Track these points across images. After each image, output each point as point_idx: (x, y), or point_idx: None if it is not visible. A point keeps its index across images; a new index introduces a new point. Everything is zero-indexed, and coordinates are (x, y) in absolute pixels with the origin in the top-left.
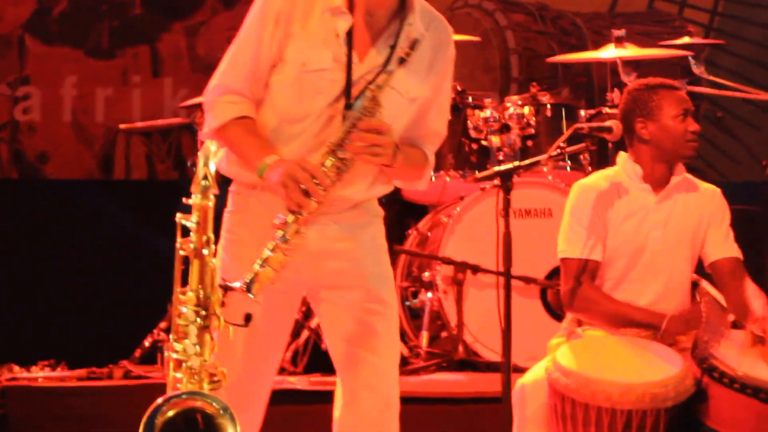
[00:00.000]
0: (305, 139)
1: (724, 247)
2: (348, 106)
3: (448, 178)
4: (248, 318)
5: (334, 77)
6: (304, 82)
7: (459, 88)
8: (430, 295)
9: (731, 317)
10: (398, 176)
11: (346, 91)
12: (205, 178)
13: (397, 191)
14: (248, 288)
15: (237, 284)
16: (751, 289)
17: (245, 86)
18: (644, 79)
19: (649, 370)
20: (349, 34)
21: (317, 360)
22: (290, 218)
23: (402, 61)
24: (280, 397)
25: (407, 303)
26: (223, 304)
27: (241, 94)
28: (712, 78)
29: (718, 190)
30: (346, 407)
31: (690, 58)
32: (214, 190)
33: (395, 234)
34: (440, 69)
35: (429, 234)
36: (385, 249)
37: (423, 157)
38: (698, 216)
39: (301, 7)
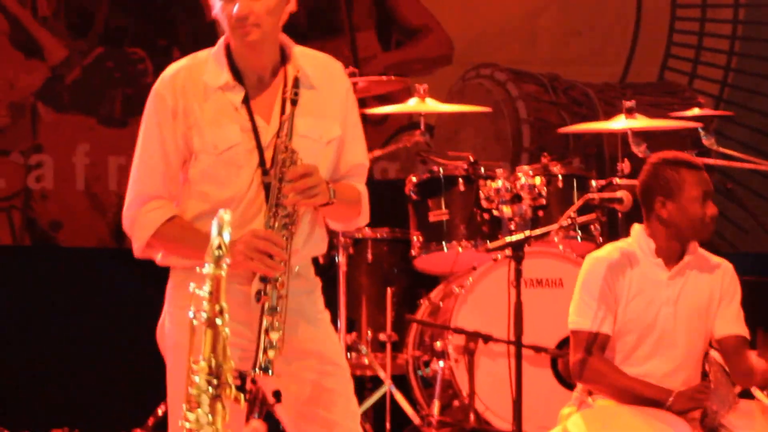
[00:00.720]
0: (243, 213)
1: (733, 324)
2: (265, 172)
3: (460, 249)
4: (278, 394)
5: (248, 147)
6: (222, 163)
7: (471, 158)
8: (441, 364)
9: (738, 388)
10: (338, 216)
11: (260, 156)
12: (219, 247)
13: (409, 263)
14: (266, 370)
15: (256, 371)
16: (754, 358)
17: (163, 188)
18: (669, 152)
19: None
20: (246, 102)
21: None
22: (267, 288)
23: (293, 102)
24: None
25: (419, 372)
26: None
27: (161, 197)
28: (721, 149)
29: (731, 266)
30: None
31: (700, 130)
32: (228, 260)
33: (407, 303)
34: (341, 103)
35: (441, 304)
36: (327, 315)
37: (356, 191)
38: (710, 292)
39: (193, 96)
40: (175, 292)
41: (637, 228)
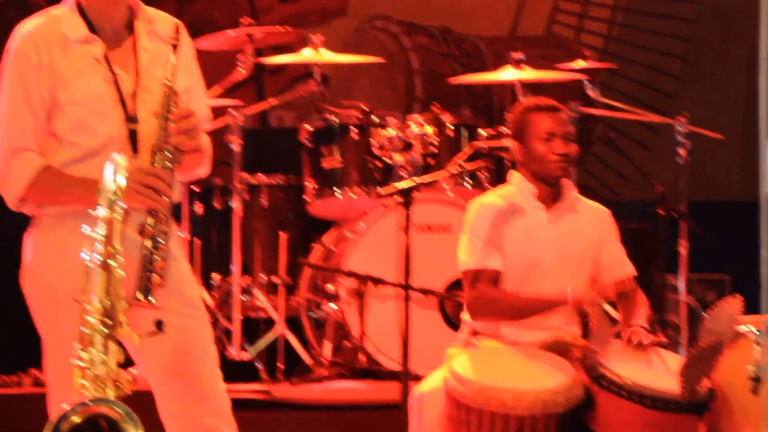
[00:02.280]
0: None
1: (619, 266)
2: (129, 120)
3: (352, 195)
4: (160, 324)
5: (113, 97)
6: (90, 113)
7: (364, 108)
8: (333, 306)
9: (618, 328)
10: (192, 164)
11: (123, 105)
12: (114, 192)
13: (303, 209)
14: (146, 295)
15: (140, 298)
16: (640, 298)
17: (32, 142)
18: (527, 98)
19: (541, 379)
20: (105, 56)
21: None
22: (151, 221)
23: (174, 47)
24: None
25: (311, 314)
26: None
27: (31, 150)
28: (605, 101)
29: (608, 211)
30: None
31: (585, 81)
32: (121, 203)
33: (301, 248)
34: (186, 56)
35: (333, 248)
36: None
37: (204, 140)
38: (589, 236)
39: (55, 49)
40: (43, 239)
41: (515, 174)
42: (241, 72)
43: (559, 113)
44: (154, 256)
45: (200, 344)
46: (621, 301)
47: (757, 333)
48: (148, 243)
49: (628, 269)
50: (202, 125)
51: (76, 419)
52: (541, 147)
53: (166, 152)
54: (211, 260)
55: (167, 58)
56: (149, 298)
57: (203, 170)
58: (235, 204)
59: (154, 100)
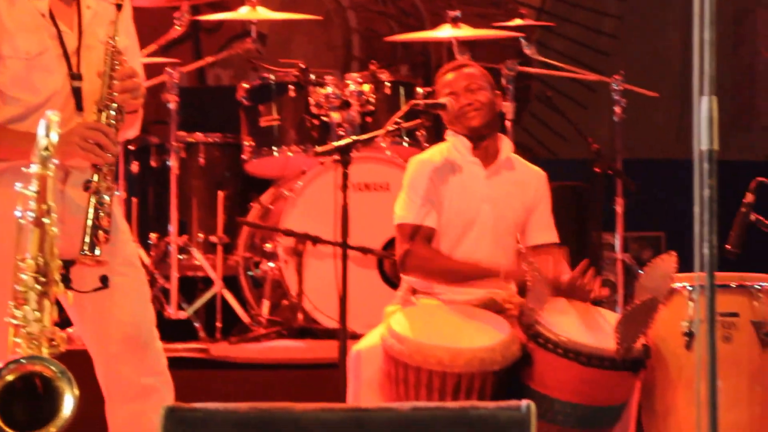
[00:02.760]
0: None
1: (545, 232)
2: (73, 77)
3: (290, 153)
4: (105, 279)
5: (57, 53)
6: (33, 69)
7: (302, 66)
8: (271, 265)
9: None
10: (126, 126)
11: (67, 62)
12: (46, 148)
13: (241, 167)
14: (93, 251)
15: (85, 252)
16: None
17: None
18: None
19: (478, 336)
20: (50, 10)
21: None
22: (96, 177)
23: (119, 6)
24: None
25: (249, 273)
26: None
27: None
28: (542, 59)
29: (544, 174)
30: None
31: (522, 40)
32: (54, 160)
33: (239, 206)
34: (124, 17)
35: (271, 207)
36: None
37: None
38: (524, 196)
39: (3, 2)
40: None
41: (452, 132)
42: (178, 29)
43: (462, 69)
44: (100, 212)
45: (138, 303)
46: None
47: (691, 289)
48: (94, 199)
49: (552, 236)
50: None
51: (9, 377)
52: (452, 104)
53: (110, 110)
54: (148, 219)
55: (110, 17)
56: (95, 253)
57: (133, 132)
58: (172, 162)
59: (97, 59)
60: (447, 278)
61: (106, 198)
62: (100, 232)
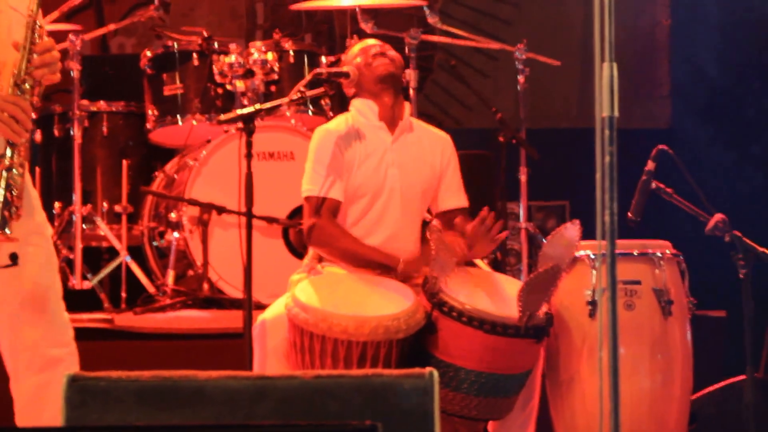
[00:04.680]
0: None
1: (456, 197)
2: None
3: (194, 122)
4: (14, 257)
5: None
6: None
7: (205, 34)
8: (176, 235)
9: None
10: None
11: None
12: None
13: (145, 136)
14: (3, 228)
15: None
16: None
17: None
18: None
19: (383, 305)
20: None
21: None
22: (9, 152)
23: None
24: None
25: (154, 243)
26: None
27: None
28: (445, 28)
29: (449, 137)
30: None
31: (425, 8)
32: None
33: (143, 176)
34: None
35: (176, 176)
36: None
37: None
38: (432, 160)
39: None
40: None
41: (356, 100)
42: None
43: (376, 40)
44: (12, 189)
45: (46, 272)
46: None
47: (594, 258)
48: (6, 175)
49: (462, 200)
50: None
51: None
52: (355, 72)
53: (27, 84)
54: (51, 189)
55: None
56: (6, 230)
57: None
58: (75, 131)
59: (7, 23)
60: (348, 260)
61: (19, 174)
62: (13, 209)
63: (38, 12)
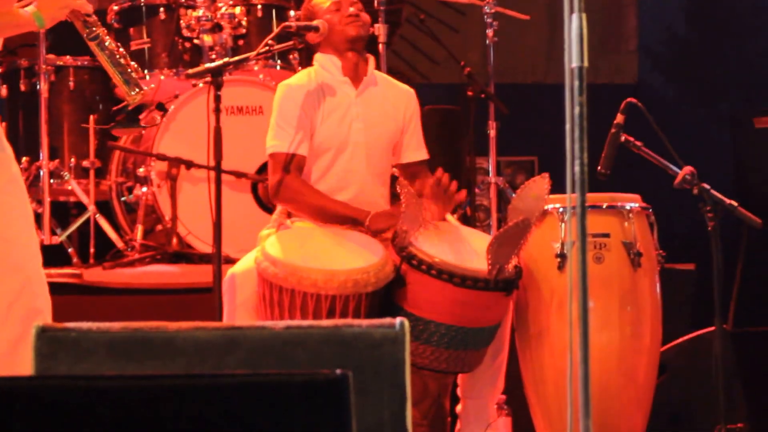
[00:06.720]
0: None
1: (417, 150)
2: None
3: (162, 77)
4: None
5: None
6: None
7: None
8: (144, 189)
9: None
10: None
11: None
12: None
13: (111, 91)
14: (139, 86)
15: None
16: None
17: None
18: None
19: (352, 258)
20: None
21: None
22: (87, 27)
23: None
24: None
25: (122, 198)
26: None
27: None
28: None
29: (412, 91)
30: None
31: None
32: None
33: (110, 131)
34: None
35: (143, 131)
36: None
37: None
38: (396, 114)
39: None
40: None
41: (320, 54)
42: None
43: None
44: (115, 53)
45: (20, 221)
46: (414, 186)
47: (563, 211)
48: (106, 43)
49: (423, 154)
50: None
51: None
52: (332, 17)
53: None
54: (18, 144)
55: None
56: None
57: None
58: (42, 86)
59: None
60: (316, 215)
61: (107, 44)
62: (132, 67)
63: None
